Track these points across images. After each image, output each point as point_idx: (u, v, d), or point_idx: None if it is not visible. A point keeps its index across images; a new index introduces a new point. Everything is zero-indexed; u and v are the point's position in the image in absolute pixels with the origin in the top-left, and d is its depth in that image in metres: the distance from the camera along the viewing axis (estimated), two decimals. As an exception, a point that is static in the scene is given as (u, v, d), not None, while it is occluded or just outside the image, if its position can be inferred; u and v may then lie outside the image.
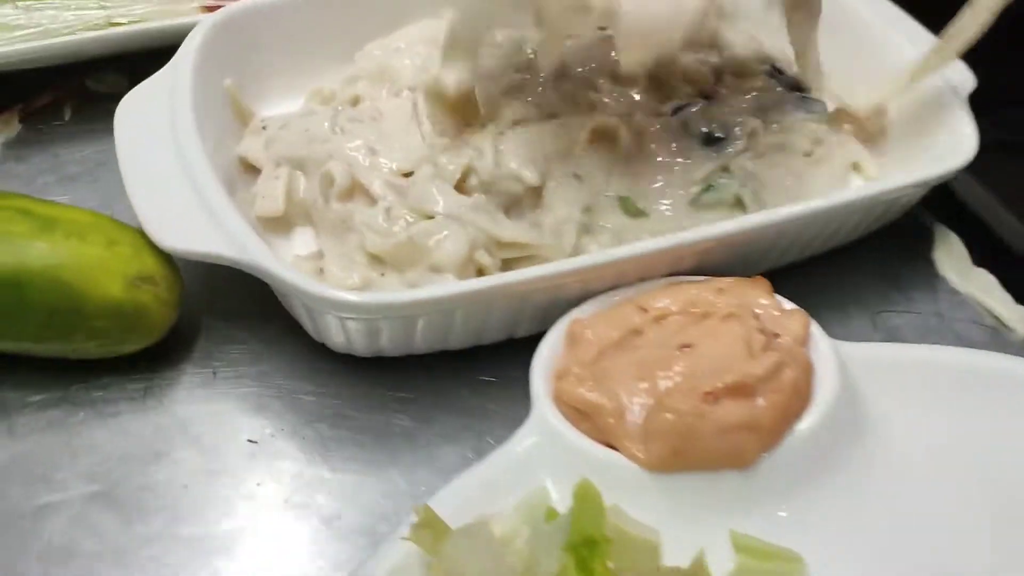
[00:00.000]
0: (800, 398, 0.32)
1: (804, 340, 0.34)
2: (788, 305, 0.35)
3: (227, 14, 0.42)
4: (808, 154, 0.42)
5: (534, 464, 0.31)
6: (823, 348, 0.34)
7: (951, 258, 0.43)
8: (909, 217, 0.43)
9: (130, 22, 0.44)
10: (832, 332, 0.34)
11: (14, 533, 0.31)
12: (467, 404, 0.35)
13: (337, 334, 0.34)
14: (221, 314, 0.38)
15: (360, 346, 0.35)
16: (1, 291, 0.32)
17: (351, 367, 0.36)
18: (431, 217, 0.37)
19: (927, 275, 0.42)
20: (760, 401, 0.31)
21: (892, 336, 0.39)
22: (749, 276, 0.36)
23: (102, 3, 0.43)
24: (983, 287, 0.42)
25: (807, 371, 0.32)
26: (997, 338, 0.40)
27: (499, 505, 0.30)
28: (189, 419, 0.34)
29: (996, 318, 0.40)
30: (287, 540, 0.32)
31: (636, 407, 0.31)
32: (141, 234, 0.34)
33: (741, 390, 0.30)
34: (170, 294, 0.34)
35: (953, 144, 0.40)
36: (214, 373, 0.36)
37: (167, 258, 0.34)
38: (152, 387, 0.35)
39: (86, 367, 0.35)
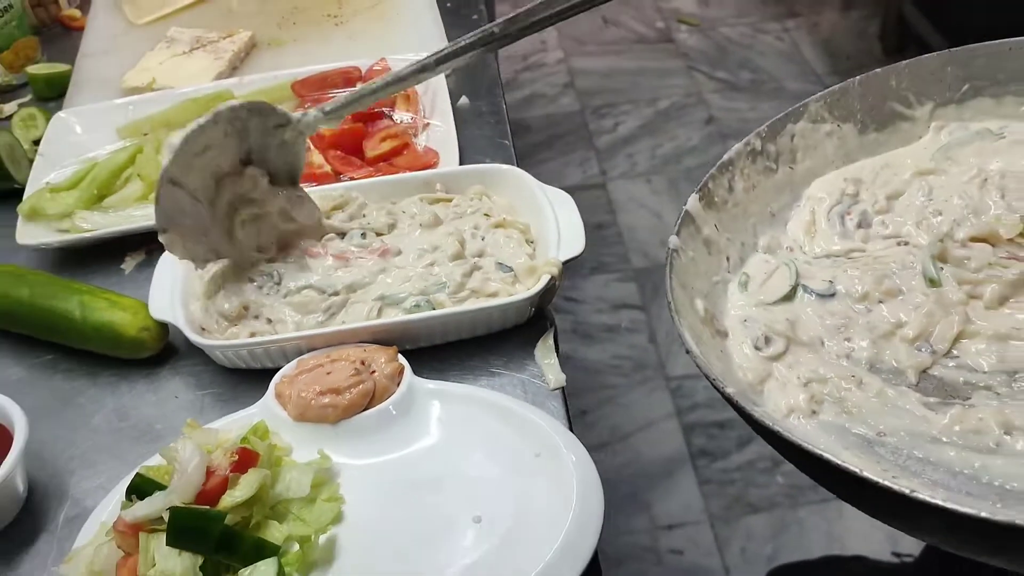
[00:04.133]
0: (366, 399, 0.72)
1: (394, 375, 0.74)
2: (400, 359, 0.75)
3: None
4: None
5: (257, 417, 0.74)
6: (406, 379, 0.73)
7: (543, 345, 0.79)
8: (537, 317, 0.80)
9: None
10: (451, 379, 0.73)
11: (70, 413, 0.78)
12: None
13: (219, 358, 0.80)
14: (181, 344, 0.84)
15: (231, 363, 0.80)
16: (97, 329, 0.81)
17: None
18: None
19: (527, 354, 0.79)
20: (345, 396, 0.71)
21: (493, 386, 0.77)
22: (412, 347, 0.77)
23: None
24: (547, 363, 0.78)
25: (381, 388, 0.72)
26: (542, 386, 0.76)
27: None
28: (161, 385, 0.81)
29: (546, 378, 0.77)
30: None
31: (299, 398, 0.73)
32: (146, 307, 0.81)
33: (335, 391, 0.71)
34: (157, 333, 0.81)
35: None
36: (178, 361, 0.82)
37: (156, 321, 0.81)
38: (150, 372, 0.82)
39: (121, 362, 0.82)
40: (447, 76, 1.06)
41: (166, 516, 0.62)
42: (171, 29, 1.16)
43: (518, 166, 0.89)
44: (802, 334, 0.66)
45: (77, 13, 1.27)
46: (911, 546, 1.88)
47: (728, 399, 0.59)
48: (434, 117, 0.98)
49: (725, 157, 0.75)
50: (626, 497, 2.02)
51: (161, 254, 0.85)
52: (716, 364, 0.64)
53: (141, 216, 0.91)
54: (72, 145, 1.00)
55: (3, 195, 0.98)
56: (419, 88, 1.01)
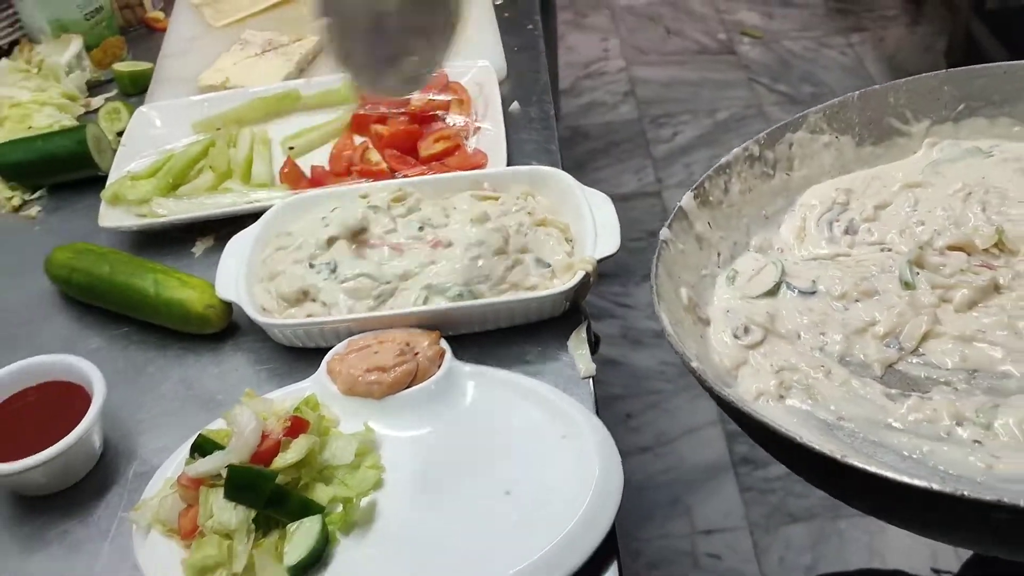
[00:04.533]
0: (409, 377, 0.78)
1: (436, 358, 0.79)
2: (442, 344, 0.80)
3: (285, 202, 0.96)
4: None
5: (309, 390, 0.80)
6: (446, 362, 0.79)
7: (576, 337, 0.84)
8: (572, 310, 0.85)
9: (250, 202, 1.00)
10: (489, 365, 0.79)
11: (141, 382, 0.86)
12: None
13: (277, 336, 0.86)
14: (243, 322, 0.90)
15: (296, 343, 0.86)
16: (168, 306, 0.88)
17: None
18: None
19: (560, 345, 0.84)
20: (390, 374, 0.77)
21: (528, 372, 0.82)
22: (454, 333, 0.83)
23: (237, 188, 1.00)
24: (579, 353, 0.83)
25: (423, 369, 0.78)
26: (574, 375, 0.81)
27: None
28: (224, 359, 0.88)
29: (577, 366, 0.82)
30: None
31: (348, 374, 0.79)
32: (212, 287, 0.88)
33: (381, 369, 0.77)
34: (222, 311, 0.88)
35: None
36: (240, 338, 0.89)
37: (221, 300, 0.88)
38: (215, 347, 0.89)
39: (189, 337, 0.89)
40: (500, 83, 1.12)
41: (224, 473, 0.69)
42: (245, 32, 1.24)
43: (572, 171, 0.94)
44: (780, 327, 0.69)
45: (161, 15, 1.36)
46: (950, 562, 1.88)
47: (694, 372, 0.63)
48: (486, 121, 1.03)
49: (723, 160, 0.78)
50: (667, 501, 2.05)
51: (228, 240, 0.92)
52: (692, 347, 0.68)
53: (212, 204, 0.98)
54: (152, 137, 1.08)
55: (89, 181, 1.07)
56: (472, 93, 1.07)
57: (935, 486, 0.48)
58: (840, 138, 0.81)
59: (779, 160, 0.80)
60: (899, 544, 1.92)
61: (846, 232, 0.75)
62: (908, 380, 0.66)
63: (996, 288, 0.65)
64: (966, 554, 1.46)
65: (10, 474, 0.73)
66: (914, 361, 0.65)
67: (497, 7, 1.28)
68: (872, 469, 0.51)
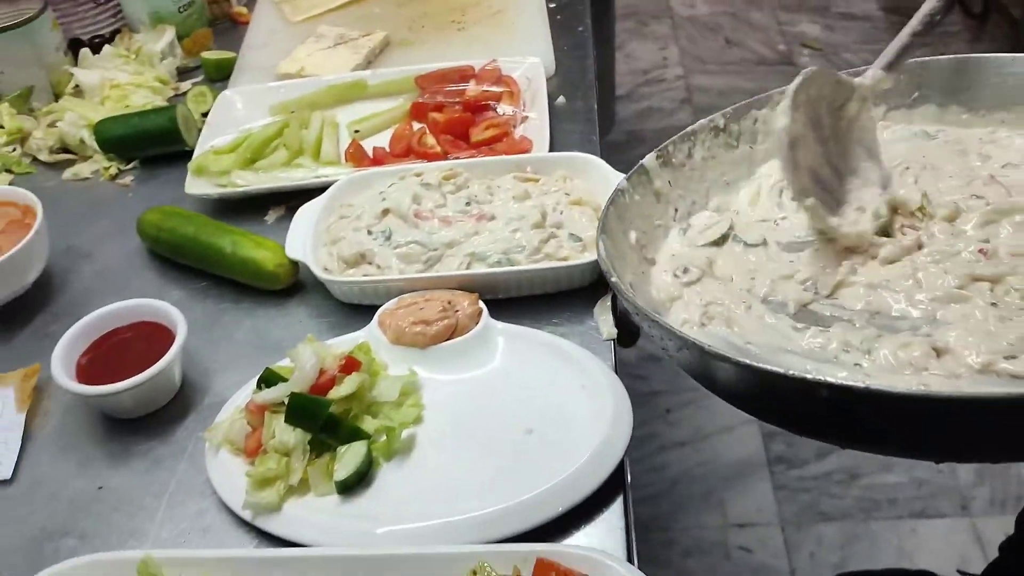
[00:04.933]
0: (450, 331, 0.88)
1: (474, 316, 0.89)
2: (480, 304, 0.90)
3: (349, 177, 1.07)
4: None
5: (362, 338, 0.90)
6: (483, 320, 0.89)
7: (601, 304, 0.94)
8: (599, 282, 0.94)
9: (317, 177, 1.11)
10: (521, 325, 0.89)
11: (217, 329, 0.98)
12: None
13: (337, 293, 0.97)
14: (308, 281, 1.01)
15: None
16: (243, 263, 0.99)
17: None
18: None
19: (587, 311, 0.94)
20: (433, 327, 0.88)
21: (556, 334, 0.92)
22: (494, 297, 0.93)
23: (307, 165, 1.11)
24: (603, 318, 0.92)
25: (462, 324, 0.88)
26: (597, 337, 0.90)
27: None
28: (290, 312, 0.99)
29: (600, 330, 0.91)
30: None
31: (397, 326, 0.90)
32: (283, 248, 0.99)
33: (425, 322, 0.88)
34: (290, 270, 0.99)
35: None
36: (304, 295, 1.00)
37: (290, 260, 0.99)
38: (282, 302, 1.01)
39: (260, 292, 1.00)
40: (549, 79, 1.22)
41: (286, 401, 0.80)
42: (320, 27, 1.36)
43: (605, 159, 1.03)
44: (717, 270, 0.76)
45: (244, 10, 1.49)
46: (978, 565, 1.92)
47: (615, 287, 0.70)
48: (532, 111, 1.13)
49: (688, 128, 0.84)
50: (701, 494, 2.12)
51: (296, 210, 1.04)
52: (628, 276, 0.75)
53: (284, 178, 1.10)
54: (233, 118, 1.21)
55: (176, 155, 1.19)
56: (522, 86, 1.17)
57: (777, 369, 0.56)
58: None
59: (743, 133, 0.86)
60: (930, 546, 1.96)
61: (793, 199, 0.82)
62: (816, 317, 0.72)
63: (919, 247, 0.72)
64: (993, 555, 1.50)
65: (104, 395, 0.85)
66: (825, 303, 0.72)
67: (551, 10, 1.38)
68: (735, 358, 0.58)
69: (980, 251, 0.68)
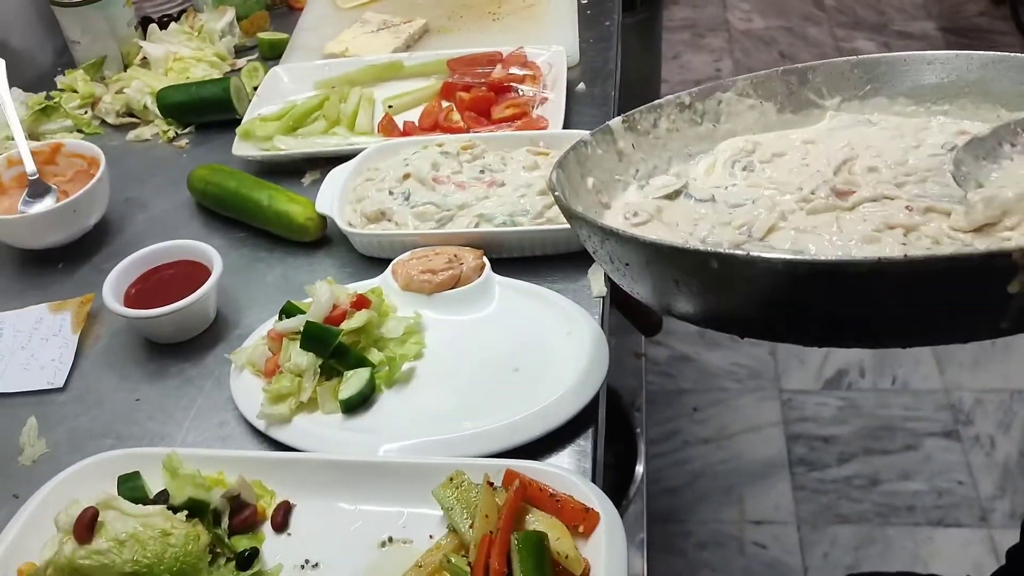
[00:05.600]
0: (454, 281, 0.97)
1: (477, 269, 0.99)
2: (484, 260, 0.99)
3: (378, 145, 1.17)
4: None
5: (376, 284, 1.00)
6: (485, 273, 0.98)
7: (595, 268, 1.02)
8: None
9: (351, 144, 1.21)
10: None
11: (250, 273, 1.08)
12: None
13: (359, 245, 1.07)
14: (335, 236, 1.12)
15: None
16: (277, 215, 1.10)
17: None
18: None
19: (581, 272, 1.02)
20: (438, 276, 0.97)
21: (551, 288, 1.00)
22: (499, 256, 1.02)
23: (342, 134, 1.22)
24: (595, 278, 1.00)
25: (465, 276, 0.97)
26: (587, 295, 0.99)
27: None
28: (317, 261, 1.10)
29: (592, 288, 0.99)
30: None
31: (407, 274, 0.99)
32: (313, 204, 1.10)
33: (431, 271, 0.97)
34: (318, 223, 1.10)
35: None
36: (330, 248, 1.10)
37: (319, 214, 1.10)
38: (310, 252, 1.11)
39: (291, 243, 1.10)
40: (573, 67, 1.31)
41: (302, 330, 0.90)
42: (366, 13, 1.48)
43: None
44: (665, 217, 0.83)
45: (301, -2, 1.62)
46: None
47: (557, 200, 0.76)
48: (551, 94, 1.23)
49: (656, 102, 0.90)
50: (722, 489, 2.17)
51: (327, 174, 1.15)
52: (579, 207, 0.79)
53: (320, 144, 1.21)
54: (280, 91, 1.32)
55: (228, 123, 1.31)
56: (544, 71, 1.26)
57: (675, 242, 0.63)
58: (763, 103, 0.92)
59: (707, 112, 0.92)
60: (946, 554, 1.98)
61: (744, 169, 0.88)
62: None
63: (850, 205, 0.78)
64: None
65: (146, 318, 0.96)
66: (757, 244, 0.77)
67: (581, 5, 1.47)
68: (644, 238, 0.64)
69: (907, 207, 0.75)
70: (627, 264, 0.69)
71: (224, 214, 1.16)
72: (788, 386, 2.36)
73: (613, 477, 1.87)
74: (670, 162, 0.91)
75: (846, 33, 3.59)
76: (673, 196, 0.85)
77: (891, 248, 0.71)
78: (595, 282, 1.00)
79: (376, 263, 1.06)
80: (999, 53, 0.86)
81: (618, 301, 1.90)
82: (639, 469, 1.88)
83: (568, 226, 1.00)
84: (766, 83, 0.92)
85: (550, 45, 1.30)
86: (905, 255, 0.56)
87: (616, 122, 0.90)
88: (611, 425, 1.89)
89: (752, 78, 0.92)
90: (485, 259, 1.00)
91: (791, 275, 0.60)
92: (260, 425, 0.88)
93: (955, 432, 2.19)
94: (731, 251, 0.62)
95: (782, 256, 0.60)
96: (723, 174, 0.87)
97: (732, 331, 0.69)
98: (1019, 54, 0.85)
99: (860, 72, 0.90)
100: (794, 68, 0.92)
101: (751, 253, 0.60)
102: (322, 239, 1.11)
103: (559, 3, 1.44)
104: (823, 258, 0.64)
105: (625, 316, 1.94)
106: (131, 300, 1.00)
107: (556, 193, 0.77)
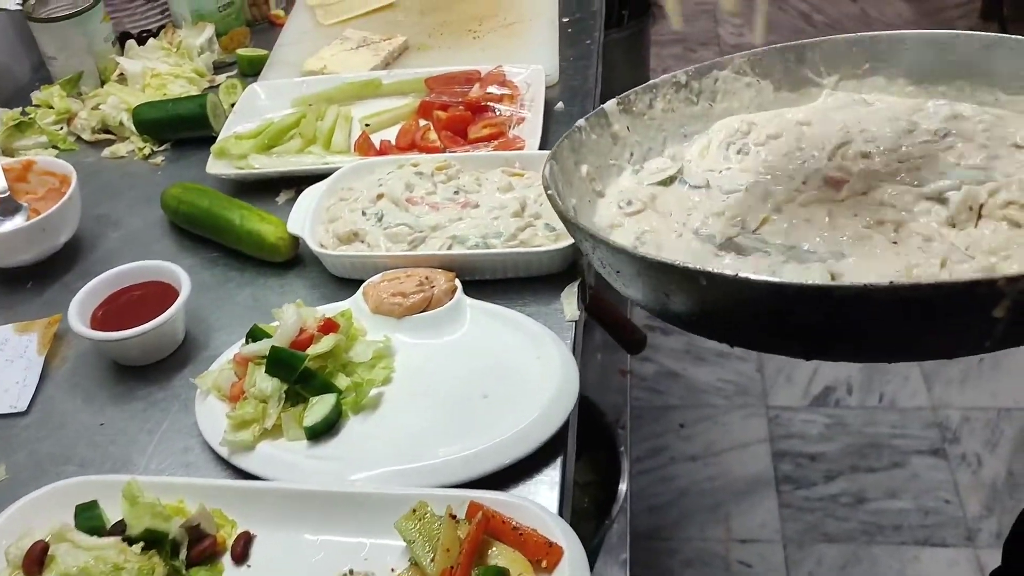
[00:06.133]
0: (425, 304, 0.96)
1: (448, 292, 0.97)
2: (456, 282, 0.98)
3: (352, 164, 1.16)
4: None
5: (346, 306, 0.99)
6: (456, 296, 0.97)
7: (568, 290, 1.01)
8: (571, 269, 1.02)
9: (326, 163, 1.21)
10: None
11: (221, 293, 1.07)
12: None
13: (330, 266, 1.06)
14: (306, 257, 1.10)
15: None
16: (248, 234, 1.09)
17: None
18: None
19: (555, 296, 1.01)
20: (409, 299, 0.96)
21: (524, 313, 0.99)
22: (472, 278, 1.00)
23: (318, 153, 1.21)
24: (568, 301, 0.99)
25: (437, 299, 0.96)
26: (560, 319, 0.97)
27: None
28: (287, 282, 1.08)
29: (564, 311, 0.98)
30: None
31: (377, 296, 0.98)
32: (285, 224, 1.09)
33: (402, 294, 0.96)
34: (290, 244, 1.08)
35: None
36: (302, 268, 1.09)
37: (291, 234, 1.08)
38: (281, 273, 1.10)
39: (262, 263, 1.09)
40: (552, 86, 1.30)
41: (267, 354, 0.89)
42: (347, 30, 1.47)
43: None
44: (659, 205, 0.81)
45: (281, 13, 1.60)
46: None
47: (551, 199, 0.75)
48: (530, 113, 1.22)
49: (651, 82, 0.88)
50: (708, 507, 2.16)
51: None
52: (573, 201, 0.79)
53: (295, 163, 1.20)
54: (257, 108, 1.31)
55: (204, 140, 1.30)
56: (522, 90, 1.25)
57: (665, 259, 0.62)
58: (761, 82, 0.91)
59: (703, 91, 0.90)
60: (931, 573, 1.97)
61: (739, 152, 0.86)
62: (737, 247, 0.77)
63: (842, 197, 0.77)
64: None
65: (112, 340, 0.95)
66: (750, 236, 0.77)
67: (562, 23, 1.46)
68: (632, 250, 0.64)
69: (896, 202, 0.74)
70: (618, 271, 0.69)
71: (197, 233, 1.15)
72: (775, 403, 2.35)
73: (596, 495, 1.85)
74: (665, 143, 0.90)
75: (837, 49, 3.60)
76: (667, 182, 0.84)
77: (881, 248, 0.70)
78: (568, 306, 0.99)
79: (348, 284, 1.05)
80: (999, 35, 0.84)
81: (602, 319, 1.90)
82: (622, 487, 1.87)
83: (541, 249, 0.99)
84: (764, 60, 0.91)
85: (529, 64, 1.29)
86: (891, 282, 0.56)
87: (611, 104, 0.87)
88: (595, 443, 1.88)
89: (750, 55, 0.90)
90: (457, 282, 0.99)
91: (778, 296, 0.59)
92: (224, 452, 0.86)
93: (942, 450, 2.18)
94: (720, 272, 0.61)
95: (769, 279, 0.60)
96: (717, 156, 0.86)
97: (720, 340, 0.69)
98: (1019, 36, 0.84)
99: (859, 50, 0.88)
100: (792, 45, 0.90)
101: (739, 275, 0.59)
102: (294, 259, 1.10)
103: (540, 21, 1.43)
104: (810, 283, 0.63)
105: (609, 334, 1.93)
106: (98, 322, 0.98)
107: (550, 192, 0.76)
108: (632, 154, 0.89)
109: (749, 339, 0.69)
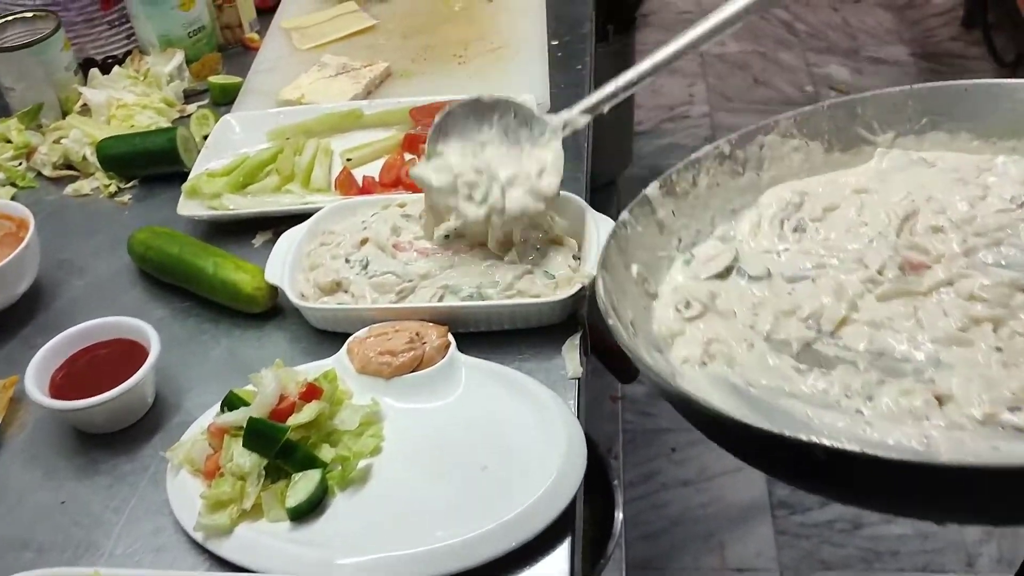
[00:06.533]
0: (415, 363, 0.89)
1: (441, 349, 0.90)
2: (449, 337, 0.91)
3: (333, 205, 1.09)
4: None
5: (330, 365, 0.91)
6: (450, 353, 0.90)
7: (570, 343, 0.94)
8: (572, 319, 0.95)
9: (305, 204, 1.13)
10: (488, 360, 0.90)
11: (194, 348, 0.99)
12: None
13: (311, 319, 0.98)
14: (286, 307, 1.03)
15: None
16: (223, 284, 1.01)
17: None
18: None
19: (555, 349, 0.94)
20: (399, 358, 0.88)
21: (523, 370, 0.92)
22: (465, 331, 0.93)
23: (296, 191, 1.13)
24: (570, 356, 0.92)
25: (428, 357, 0.89)
26: (562, 376, 0.91)
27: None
28: (266, 335, 1.01)
29: (567, 367, 0.91)
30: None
31: (364, 355, 0.91)
32: (262, 272, 1.01)
33: (391, 353, 0.89)
34: (268, 294, 1.01)
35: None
36: (281, 320, 1.02)
37: (268, 284, 1.01)
38: (259, 325, 1.02)
39: (238, 314, 1.01)
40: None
41: (245, 426, 0.81)
42: (325, 56, 1.39)
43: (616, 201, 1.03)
44: (720, 304, 0.75)
45: (256, 37, 1.52)
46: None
47: (614, 330, 0.70)
48: (521, 147, 1.14)
49: (693, 156, 0.83)
50: (702, 535, 2.10)
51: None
52: (629, 313, 0.74)
53: (272, 203, 1.12)
54: (231, 142, 1.23)
55: (175, 176, 1.22)
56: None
57: (772, 429, 0.56)
58: (809, 144, 0.86)
59: (749, 159, 0.85)
60: (930, 604, 1.93)
61: (795, 230, 0.80)
62: (819, 358, 0.71)
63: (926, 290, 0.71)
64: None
65: (74, 410, 0.87)
66: (829, 342, 0.71)
67: (552, 47, 1.39)
68: (728, 415, 0.59)
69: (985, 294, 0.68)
70: (706, 430, 0.67)
71: (167, 281, 1.07)
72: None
73: (590, 532, 1.78)
74: (713, 222, 0.84)
75: (818, 58, 3.56)
76: (724, 274, 0.77)
77: (984, 357, 0.64)
78: (570, 361, 0.92)
79: (331, 337, 0.97)
80: None
81: (595, 348, 1.83)
82: (618, 517, 1.80)
83: (541, 300, 0.92)
84: (811, 120, 0.85)
85: (519, 92, 1.22)
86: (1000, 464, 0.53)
87: (653, 188, 0.82)
88: (587, 476, 1.82)
89: (796, 115, 0.85)
90: (450, 337, 0.91)
91: (874, 464, 0.55)
92: (198, 537, 0.78)
93: (940, 474, 2.13)
94: (808, 439, 0.56)
95: (862, 450, 0.55)
96: (771, 235, 0.80)
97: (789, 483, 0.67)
98: None
99: (915, 103, 0.82)
100: (841, 101, 0.86)
101: (835, 445, 0.55)
102: (273, 309, 1.02)
103: (528, 45, 1.36)
104: (908, 458, 0.59)
105: (602, 363, 1.86)
106: (58, 386, 0.90)
107: (611, 322, 0.71)
108: (680, 240, 0.83)
109: (811, 487, 0.66)
